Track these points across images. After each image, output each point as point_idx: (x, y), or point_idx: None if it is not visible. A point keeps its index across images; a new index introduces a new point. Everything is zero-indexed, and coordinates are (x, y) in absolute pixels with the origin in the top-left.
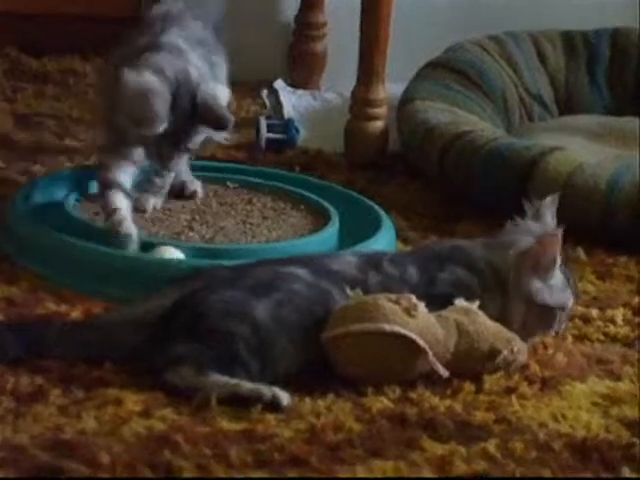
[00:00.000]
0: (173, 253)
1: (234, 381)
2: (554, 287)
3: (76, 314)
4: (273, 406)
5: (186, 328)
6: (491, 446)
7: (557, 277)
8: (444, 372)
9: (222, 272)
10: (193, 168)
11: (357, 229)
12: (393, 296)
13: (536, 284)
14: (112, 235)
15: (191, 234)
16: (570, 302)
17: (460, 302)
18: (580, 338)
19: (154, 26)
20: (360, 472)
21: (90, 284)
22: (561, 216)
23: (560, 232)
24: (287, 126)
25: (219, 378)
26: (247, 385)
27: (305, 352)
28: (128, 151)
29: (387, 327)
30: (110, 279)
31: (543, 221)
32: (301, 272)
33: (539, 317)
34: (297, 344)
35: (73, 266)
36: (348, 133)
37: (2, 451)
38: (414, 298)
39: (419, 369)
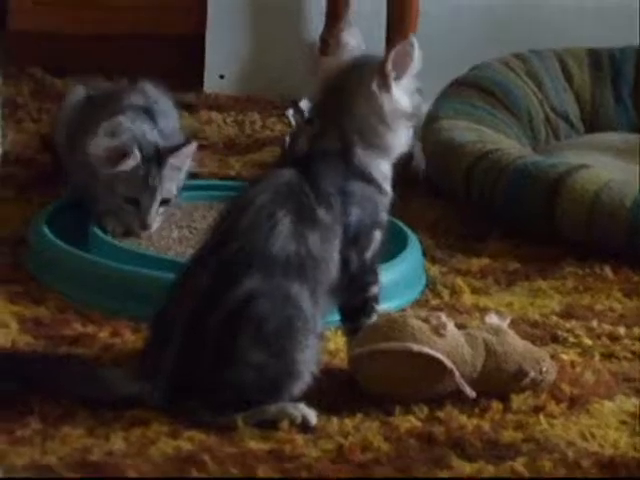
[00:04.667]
0: None
1: (258, 409)
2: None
3: (104, 335)
4: (302, 426)
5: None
6: (519, 465)
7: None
8: (471, 392)
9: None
10: (217, 188)
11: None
12: (422, 314)
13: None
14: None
15: None
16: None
17: (491, 319)
18: (608, 356)
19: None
20: None
21: (117, 304)
22: (587, 234)
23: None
24: None
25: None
26: (273, 408)
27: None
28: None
29: (415, 347)
30: (136, 299)
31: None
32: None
33: None
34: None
35: (99, 286)
36: None
37: (30, 472)
38: (443, 317)
39: (446, 388)
